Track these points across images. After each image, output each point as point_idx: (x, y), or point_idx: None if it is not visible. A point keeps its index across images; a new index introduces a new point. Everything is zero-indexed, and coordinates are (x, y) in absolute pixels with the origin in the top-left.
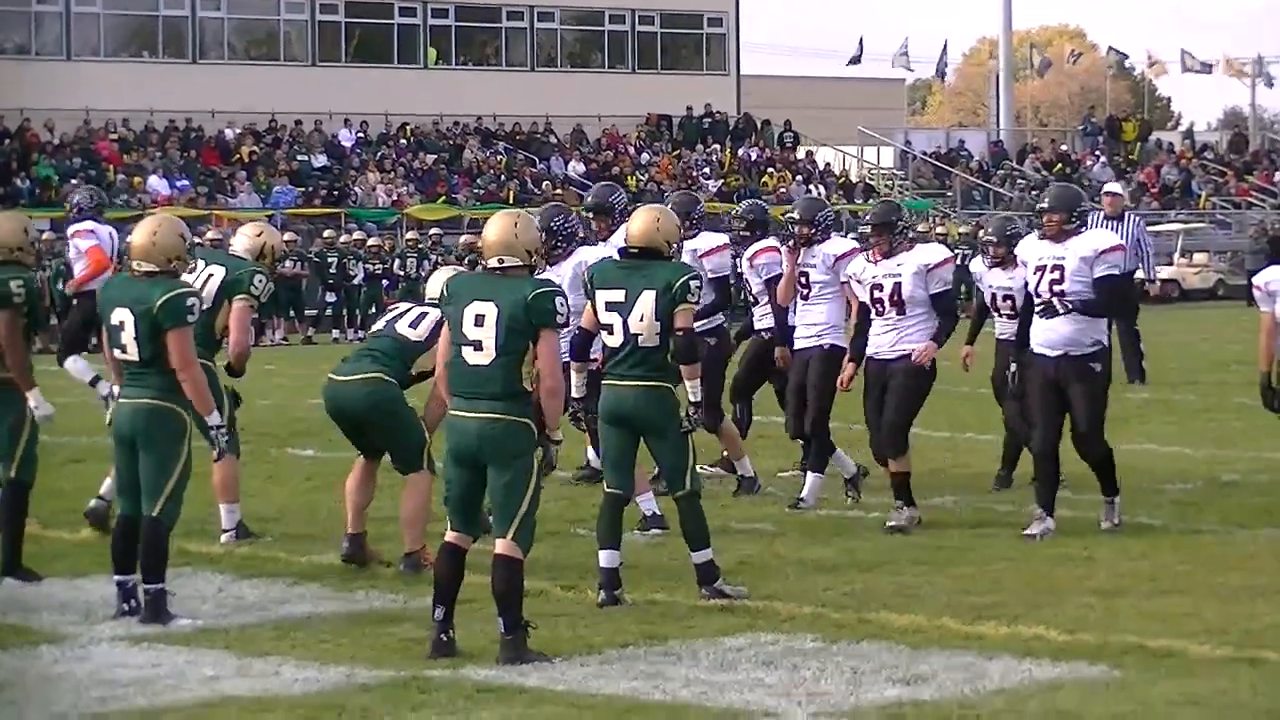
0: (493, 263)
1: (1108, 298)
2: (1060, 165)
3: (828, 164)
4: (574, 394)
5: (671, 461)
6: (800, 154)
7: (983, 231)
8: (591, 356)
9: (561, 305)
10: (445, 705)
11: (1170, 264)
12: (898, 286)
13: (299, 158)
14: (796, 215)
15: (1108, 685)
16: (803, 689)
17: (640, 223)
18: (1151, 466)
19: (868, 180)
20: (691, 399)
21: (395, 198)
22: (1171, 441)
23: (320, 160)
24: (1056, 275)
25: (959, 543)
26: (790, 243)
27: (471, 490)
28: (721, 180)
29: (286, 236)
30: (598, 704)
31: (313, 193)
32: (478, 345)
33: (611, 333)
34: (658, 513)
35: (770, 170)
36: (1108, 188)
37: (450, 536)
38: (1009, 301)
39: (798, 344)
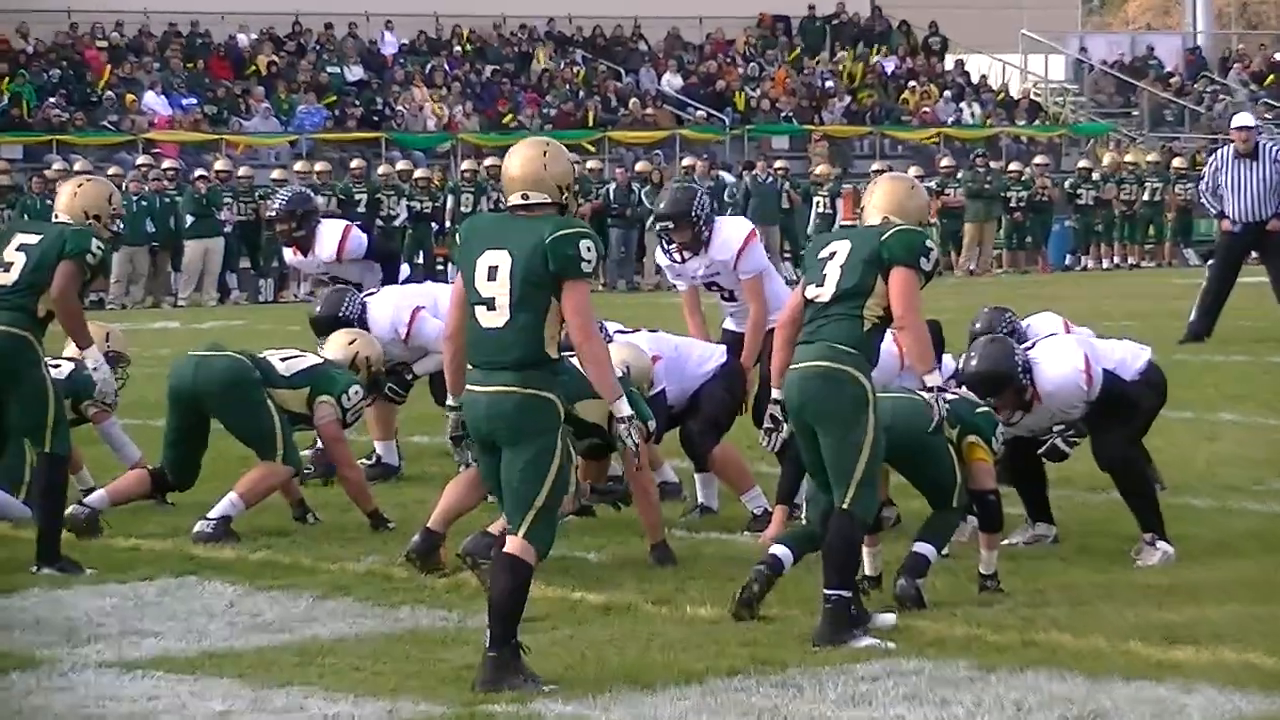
0: (515, 200)
1: None
2: (1271, 77)
3: (983, 76)
4: None
5: (935, 478)
6: (949, 64)
7: None
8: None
9: (588, 250)
10: None
11: None
12: None
13: (329, 70)
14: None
15: None
16: None
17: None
18: None
19: (1033, 96)
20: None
21: (447, 119)
22: None
23: (355, 73)
24: None
25: None
26: None
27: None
28: (850, 97)
29: (319, 167)
30: None
31: (345, 114)
32: (490, 304)
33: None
34: (769, 509)
35: (912, 84)
36: (1237, 120)
37: (509, 543)
38: None
39: None
